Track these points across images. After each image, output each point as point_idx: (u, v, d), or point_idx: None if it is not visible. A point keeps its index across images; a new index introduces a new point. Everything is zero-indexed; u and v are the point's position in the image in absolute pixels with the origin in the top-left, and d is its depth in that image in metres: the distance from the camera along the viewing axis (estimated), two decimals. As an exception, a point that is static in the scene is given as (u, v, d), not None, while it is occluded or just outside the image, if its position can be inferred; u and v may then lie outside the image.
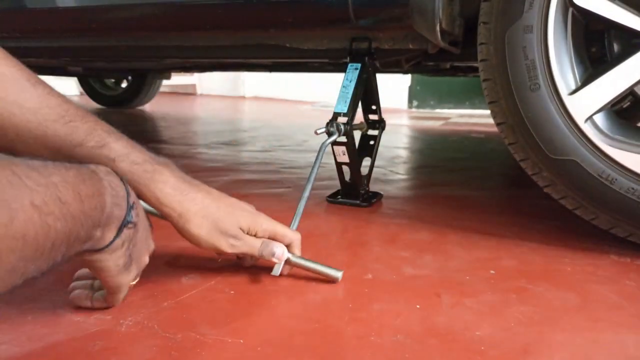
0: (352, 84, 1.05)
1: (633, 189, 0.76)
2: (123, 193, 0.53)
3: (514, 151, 0.86)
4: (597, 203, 0.80)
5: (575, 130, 0.78)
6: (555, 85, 0.79)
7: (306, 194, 0.82)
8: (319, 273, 0.70)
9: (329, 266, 0.70)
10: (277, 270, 0.70)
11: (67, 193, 0.43)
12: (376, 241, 0.88)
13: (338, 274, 0.69)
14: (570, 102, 0.78)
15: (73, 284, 0.63)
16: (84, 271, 0.65)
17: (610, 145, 0.77)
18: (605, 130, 0.79)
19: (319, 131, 1.00)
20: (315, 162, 0.89)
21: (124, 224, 0.53)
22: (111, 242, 0.52)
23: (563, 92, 0.79)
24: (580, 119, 0.78)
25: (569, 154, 0.79)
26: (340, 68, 1.45)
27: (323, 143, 0.96)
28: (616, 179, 0.77)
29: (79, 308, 0.61)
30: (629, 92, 0.81)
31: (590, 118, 0.78)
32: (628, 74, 0.76)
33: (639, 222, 0.79)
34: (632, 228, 0.80)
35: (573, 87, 0.79)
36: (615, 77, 0.77)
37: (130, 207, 0.53)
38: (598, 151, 0.78)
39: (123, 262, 0.55)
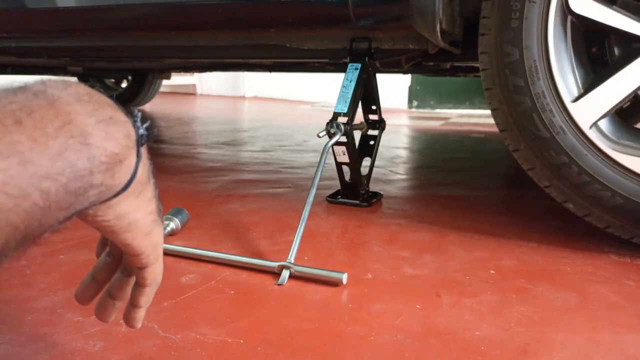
0: (352, 84, 1.05)
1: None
2: (106, 100, 0.35)
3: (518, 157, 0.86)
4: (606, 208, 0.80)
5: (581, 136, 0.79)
6: (559, 94, 0.79)
7: (310, 198, 0.82)
8: (324, 277, 0.70)
9: (332, 270, 0.70)
10: (283, 280, 0.70)
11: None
12: (376, 241, 0.88)
13: (342, 276, 0.69)
14: (574, 109, 0.78)
15: (80, 292, 0.48)
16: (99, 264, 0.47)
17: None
18: (611, 136, 0.79)
19: (321, 134, 1.00)
20: (318, 166, 0.89)
21: (140, 140, 0.36)
22: (133, 175, 0.35)
23: (566, 99, 0.79)
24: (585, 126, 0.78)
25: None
26: (340, 68, 1.45)
27: (326, 145, 0.96)
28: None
29: (79, 308, 0.60)
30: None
31: (595, 124, 0.78)
32: (631, 78, 0.76)
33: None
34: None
35: (576, 93, 0.79)
36: (618, 82, 0.76)
37: (135, 116, 0.37)
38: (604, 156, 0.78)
39: (155, 207, 0.41)
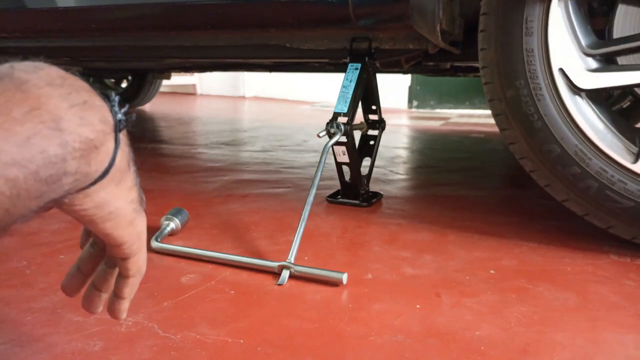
0: (352, 84, 1.05)
1: None
2: (82, 83, 0.33)
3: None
4: None
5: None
6: (618, 162, 0.77)
7: (310, 198, 0.82)
8: (324, 277, 0.70)
9: (332, 270, 0.70)
10: (283, 280, 0.70)
11: None
12: (376, 241, 0.88)
13: (342, 276, 0.69)
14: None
15: (66, 283, 0.48)
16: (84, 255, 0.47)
17: None
18: None
19: (321, 134, 1.00)
20: (318, 166, 0.89)
21: (118, 125, 0.35)
22: (111, 162, 0.34)
23: (627, 164, 0.77)
24: None
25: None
26: (340, 68, 1.45)
27: (326, 145, 0.96)
28: None
29: (79, 308, 0.60)
30: (629, 92, 0.80)
31: None
32: None
33: None
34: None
35: (634, 151, 0.77)
36: None
37: (112, 100, 0.35)
38: None
39: (137, 196, 0.40)
